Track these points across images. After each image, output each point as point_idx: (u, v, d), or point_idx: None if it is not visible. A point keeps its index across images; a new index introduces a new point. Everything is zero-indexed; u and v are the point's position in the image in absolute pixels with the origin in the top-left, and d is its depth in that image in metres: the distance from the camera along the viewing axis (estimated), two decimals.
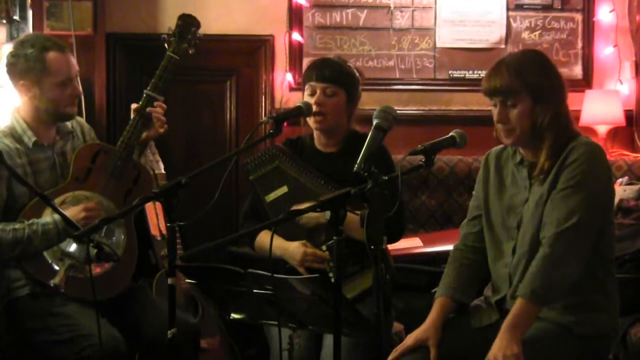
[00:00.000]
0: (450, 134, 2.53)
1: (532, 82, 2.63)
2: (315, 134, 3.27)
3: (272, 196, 3.20)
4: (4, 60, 3.33)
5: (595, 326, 2.66)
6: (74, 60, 3.33)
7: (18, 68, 3.22)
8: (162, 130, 3.37)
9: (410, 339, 2.72)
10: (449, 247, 3.00)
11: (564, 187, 2.60)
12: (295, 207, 3.05)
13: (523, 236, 2.71)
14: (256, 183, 3.24)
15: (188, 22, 3.44)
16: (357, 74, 3.28)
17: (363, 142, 2.35)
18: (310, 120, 3.18)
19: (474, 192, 2.95)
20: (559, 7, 5.32)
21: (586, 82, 5.31)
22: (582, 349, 2.65)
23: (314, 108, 3.13)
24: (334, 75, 3.18)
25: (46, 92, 3.22)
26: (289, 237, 3.12)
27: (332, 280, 2.79)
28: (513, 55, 2.75)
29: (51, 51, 3.22)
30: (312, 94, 3.16)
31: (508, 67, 2.65)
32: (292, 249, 3.10)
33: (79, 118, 3.52)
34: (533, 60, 2.72)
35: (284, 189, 3.19)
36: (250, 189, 3.32)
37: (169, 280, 2.46)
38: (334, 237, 2.22)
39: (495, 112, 2.69)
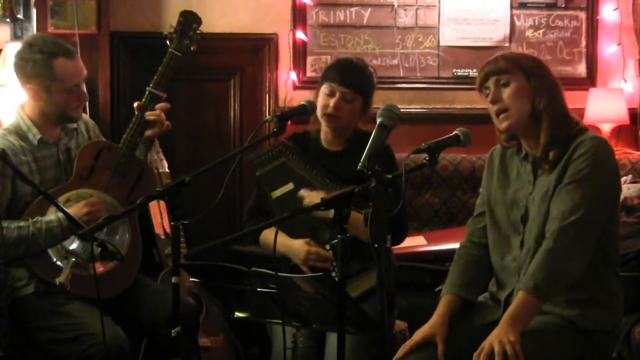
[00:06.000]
0: (454, 132, 2.53)
1: (525, 65, 2.68)
2: (323, 131, 3.27)
3: (277, 192, 3.20)
4: (9, 59, 3.33)
5: (598, 322, 2.66)
6: (82, 65, 3.32)
7: (26, 72, 3.21)
8: (164, 127, 3.38)
9: (417, 335, 2.72)
10: (453, 245, 3.00)
11: (570, 180, 2.61)
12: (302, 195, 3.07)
13: (530, 230, 2.71)
14: (262, 179, 3.24)
15: (189, 19, 3.44)
16: (375, 78, 3.28)
17: (367, 141, 2.35)
18: (322, 120, 3.18)
19: (480, 189, 2.95)
20: (563, 6, 5.31)
21: (590, 80, 5.31)
22: (585, 344, 2.65)
23: (330, 110, 3.13)
24: (356, 82, 3.16)
25: (54, 97, 3.22)
26: (294, 235, 3.12)
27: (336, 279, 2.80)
28: (509, 52, 2.78)
29: (60, 57, 3.21)
30: (331, 95, 3.15)
31: (503, 56, 2.72)
32: (296, 247, 3.10)
33: (83, 114, 3.52)
34: (528, 56, 2.80)
35: (289, 186, 3.18)
36: (255, 185, 3.32)
37: (173, 279, 2.47)
38: (338, 236, 2.22)
39: (489, 99, 2.71)
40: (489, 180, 2.89)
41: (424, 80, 5.28)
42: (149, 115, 3.31)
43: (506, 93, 2.67)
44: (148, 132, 3.35)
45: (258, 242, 3.25)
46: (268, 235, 3.19)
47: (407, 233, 3.27)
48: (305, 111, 3.09)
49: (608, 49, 5.33)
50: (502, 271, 2.82)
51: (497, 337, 2.50)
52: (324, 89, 3.18)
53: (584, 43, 5.32)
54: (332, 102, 3.13)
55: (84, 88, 3.32)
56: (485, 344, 2.52)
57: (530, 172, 2.75)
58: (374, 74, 3.29)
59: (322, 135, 3.27)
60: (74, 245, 3.16)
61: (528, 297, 2.55)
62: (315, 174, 3.16)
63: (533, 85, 2.66)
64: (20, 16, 4.49)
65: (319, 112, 3.18)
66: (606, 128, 5.14)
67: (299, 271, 3.04)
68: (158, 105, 3.34)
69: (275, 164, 3.22)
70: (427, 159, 2.43)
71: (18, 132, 3.26)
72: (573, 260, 2.57)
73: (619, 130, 5.25)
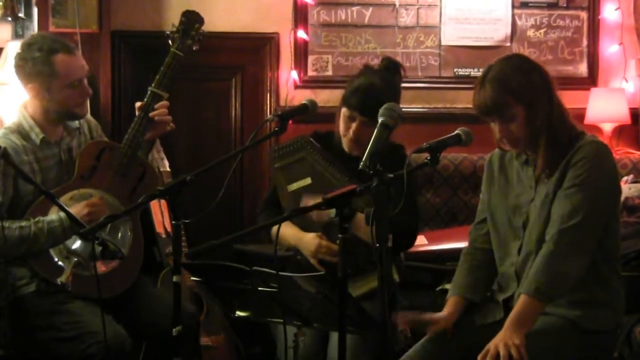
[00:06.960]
0: (456, 131, 2.52)
1: (517, 91, 2.62)
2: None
3: (294, 186, 3.18)
4: (10, 58, 3.32)
5: (599, 322, 2.67)
6: (83, 61, 3.30)
7: (26, 71, 3.20)
8: (168, 128, 3.37)
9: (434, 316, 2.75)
10: (454, 245, 3.00)
11: (570, 185, 2.61)
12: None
13: (529, 235, 2.71)
14: (280, 171, 3.22)
15: (191, 19, 3.43)
16: (399, 90, 3.23)
17: (388, 149, 2.34)
18: (344, 140, 3.16)
19: (480, 195, 2.95)
20: (565, 5, 5.31)
21: (591, 80, 5.31)
22: (587, 344, 2.66)
23: (350, 136, 3.12)
24: (377, 110, 3.11)
25: (55, 95, 3.21)
26: (306, 228, 3.12)
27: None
28: (493, 68, 2.70)
29: (59, 53, 3.19)
30: (351, 119, 3.13)
31: (491, 82, 2.65)
32: (307, 239, 3.09)
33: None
34: (513, 67, 2.69)
35: (307, 181, 3.16)
36: (273, 177, 3.29)
37: (174, 278, 2.46)
38: (339, 235, 2.22)
39: (495, 129, 2.70)
40: (489, 185, 2.89)
41: (425, 80, 5.28)
42: (154, 115, 3.30)
43: (513, 127, 2.65)
44: (151, 133, 3.34)
45: (269, 234, 3.23)
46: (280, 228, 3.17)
47: (416, 234, 3.23)
48: (306, 110, 3.08)
49: (609, 49, 5.33)
50: (502, 274, 2.83)
51: (502, 340, 2.51)
52: (345, 111, 3.15)
53: (585, 43, 5.32)
54: (352, 127, 3.12)
55: (86, 84, 3.31)
56: (490, 347, 2.52)
57: (532, 177, 2.74)
58: (400, 78, 3.28)
59: (344, 141, 3.24)
60: (76, 245, 3.15)
61: (530, 300, 2.56)
62: (334, 171, 3.13)
63: (531, 112, 2.63)
64: (21, 15, 4.49)
65: (341, 131, 3.17)
66: (607, 128, 5.14)
67: (307, 264, 3.04)
68: (158, 105, 3.32)
69: (294, 158, 3.19)
70: (428, 158, 2.42)
71: (20, 131, 3.25)
72: (573, 262, 2.57)
73: (620, 130, 5.25)
